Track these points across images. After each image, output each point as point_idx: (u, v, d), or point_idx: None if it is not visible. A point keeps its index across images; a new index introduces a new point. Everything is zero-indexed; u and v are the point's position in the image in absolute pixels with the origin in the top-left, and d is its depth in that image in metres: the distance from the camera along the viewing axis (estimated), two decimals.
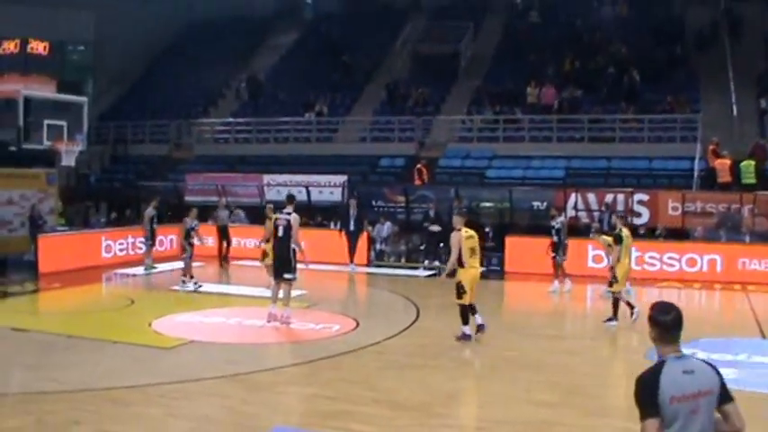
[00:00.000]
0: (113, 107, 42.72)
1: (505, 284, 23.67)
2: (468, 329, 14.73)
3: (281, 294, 16.10)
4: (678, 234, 25.45)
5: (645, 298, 21.25)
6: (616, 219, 18.39)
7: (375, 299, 19.11)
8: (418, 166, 29.72)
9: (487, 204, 28.02)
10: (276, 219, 16.25)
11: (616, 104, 32.15)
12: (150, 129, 38.74)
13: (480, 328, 14.93)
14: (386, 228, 26.84)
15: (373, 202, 28.28)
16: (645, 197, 25.98)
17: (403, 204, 28.16)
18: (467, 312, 14.76)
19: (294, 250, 15.94)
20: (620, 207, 25.71)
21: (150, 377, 11.76)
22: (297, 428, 9.00)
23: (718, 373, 5.25)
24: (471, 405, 10.68)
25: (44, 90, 28.00)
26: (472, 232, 14.86)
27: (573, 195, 26.44)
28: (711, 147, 27.61)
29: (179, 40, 46.63)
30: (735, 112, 30.17)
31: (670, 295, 21.39)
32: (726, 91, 31.32)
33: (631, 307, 16.74)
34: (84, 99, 29.45)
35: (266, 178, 31.31)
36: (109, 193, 35.52)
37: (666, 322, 5.33)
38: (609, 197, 26.24)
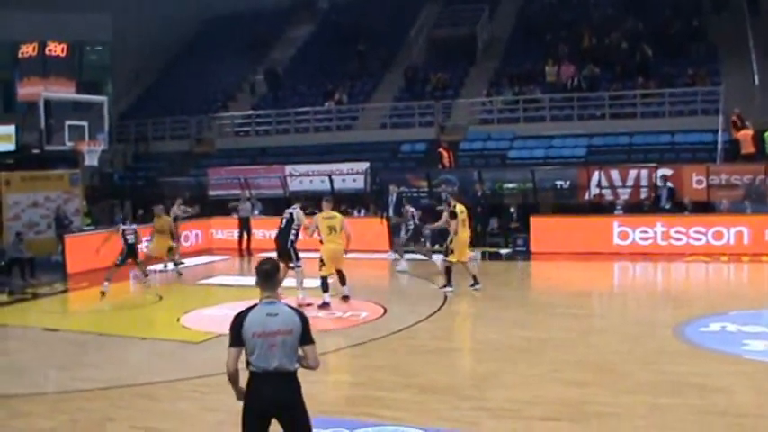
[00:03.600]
0: (133, 106, 42.92)
1: (531, 265, 23.62)
2: (327, 297, 16.52)
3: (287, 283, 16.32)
4: (704, 207, 25.31)
5: (673, 274, 21.23)
6: (450, 196, 19.04)
7: (402, 285, 19.15)
8: (440, 149, 29.65)
9: (511, 185, 27.93)
10: (284, 213, 17.33)
11: (634, 80, 31.93)
12: (171, 125, 38.85)
13: (345, 299, 16.95)
14: (412, 213, 26.76)
15: (399, 188, 28.19)
16: (669, 172, 25.83)
17: (426, 189, 28.11)
18: (326, 282, 16.64)
19: (292, 241, 16.93)
20: (643, 182, 25.70)
21: (181, 372, 11.84)
22: (326, 417, 9.01)
23: (303, 319, 6.53)
24: (501, 387, 10.64)
25: (64, 91, 28.19)
26: (334, 213, 17.06)
27: (596, 173, 26.33)
28: (733, 118, 27.43)
29: (195, 36, 46.80)
30: (756, 81, 29.86)
31: (698, 269, 21.38)
32: (746, 61, 30.99)
33: (475, 280, 18.09)
34: (103, 98, 29.53)
35: (288, 169, 31.34)
36: (133, 191, 35.67)
37: (261, 271, 6.62)
38: (632, 173, 26.15)
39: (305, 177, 29.98)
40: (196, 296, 19.46)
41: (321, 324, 15.21)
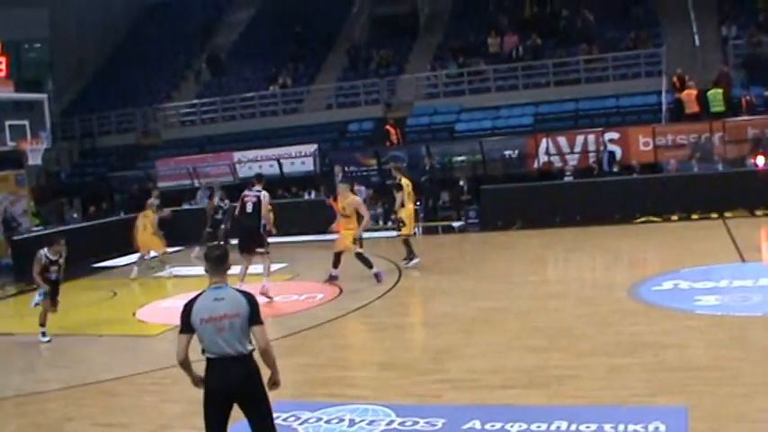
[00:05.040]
0: (76, 101, 42.19)
1: (485, 236, 23.71)
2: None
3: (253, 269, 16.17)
4: (652, 168, 25.59)
5: (625, 236, 21.41)
6: (395, 170, 19.49)
7: (357, 264, 19.07)
8: (387, 127, 29.70)
9: (460, 158, 28.03)
10: (245, 195, 16.30)
11: (577, 47, 32.12)
12: (116, 119, 38.32)
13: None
14: (362, 192, 26.79)
15: (346, 168, 28.20)
16: (615, 135, 26.09)
17: (375, 167, 28.14)
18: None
19: (264, 225, 16.09)
20: (591, 147, 25.97)
21: (140, 366, 11.76)
22: (288, 401, 9.00)
23: (250, 302, 6.51)
24: (462, 358, 10.71)
25: (3, 91, 27.68)
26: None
27: (544, 141, 26.54)
28: (675, 78, 27.74)
29: (136, 26, 46.08)
30: (697, 42, 30.19)
31: (649, 230, 21.60)
32: (686, 22, 31.34)
33: (411, 254, 18.56)
34: (43, 96, 29.06)
35: (237, 156, 31.28)
36: (81, 188, 35.23)
37: (211, 257, 6.68)
38: (580, 139, 26.40)
39: (254, 163, 29.80)
40: (151, 289, 19.31)
41: (279, 308, 15.23)
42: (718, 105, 26.39)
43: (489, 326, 12.54)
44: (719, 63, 28.91)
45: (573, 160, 26.44)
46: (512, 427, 8.02)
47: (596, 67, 31.17)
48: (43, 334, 14.22)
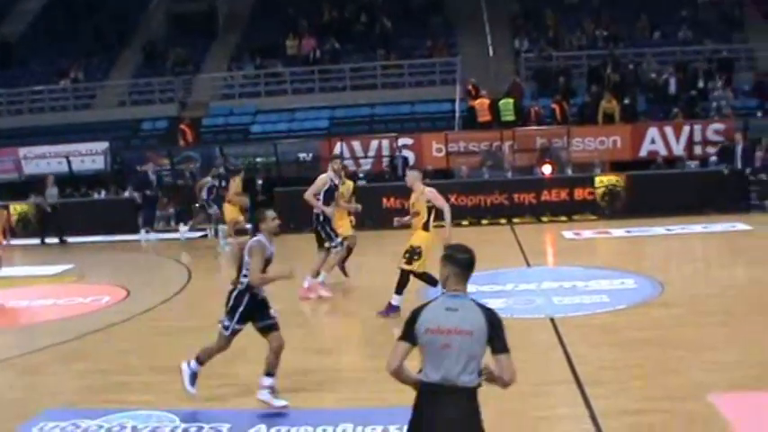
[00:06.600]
0: None
1: (278, 238, 23.45)
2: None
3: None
4: (444, 174, 26.19)
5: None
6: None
7: (145, 265, 18.70)
8: (181, 126, 29.26)
9: (258, 159, 27.88)
10: None
11: (375, 52, 32.56)
12: None
13: None
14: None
15: (138, 167, 27.54)
16: (409, 141, 26.57)
17: (168, 167, 27.58)
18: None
19: None
20: (385, 152, 26.37)
21: None
22: (66, 409, 8.61)
23: (490, 319, 5.28)
24: (249, 362, 10.50)
25: None
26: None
27: (338, 144, 26.74)
28: (468, 87, 28.56)
29: None
30: (491, 53, 31.23)
31: (441, 235, 21.97)
32: (481, 33, 32.42)
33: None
34: None
35: (23, 151, 29.95)
36: None
37: (459, 261, 5.49)
38: (374, 143, 26.75)
39: (41, 159, 28.72)
40: None
41: (62, 312, 14.61)
42: (508, 115, 27.36)
43: (281, 329, 12.40)
44: (512, 74, 30.00)
45: (367, 164, 26.77)
46: (297, 431, 7.97)
47: (392, 73, 31.77)
48: None
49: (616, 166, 25.79)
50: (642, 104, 29.00)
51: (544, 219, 23.18)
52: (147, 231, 24.50)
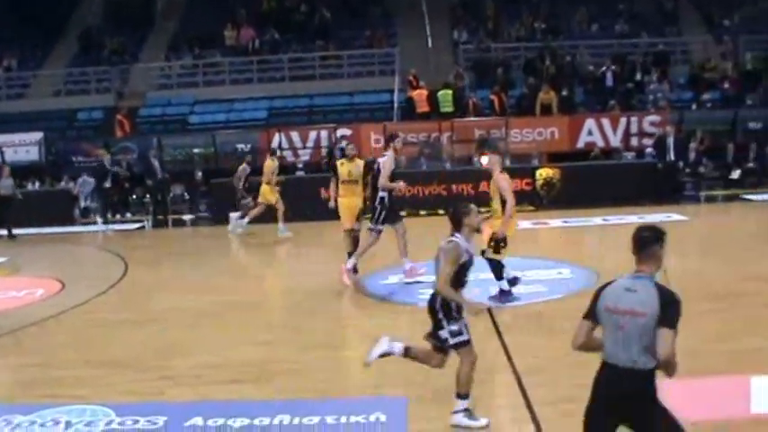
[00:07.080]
0: None
1: (216, 229, 23.37)
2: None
3: None
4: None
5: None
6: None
7: (81, 258, 18.41)
8: (118, 116, 28.92)
9: (196, 151, 27.67)
10: None
11: (314, 43, 32.48)
12: None
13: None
14: (90, 183, 25.85)
15: (73, 158, 27.16)
16: (347, 132, 26.52)
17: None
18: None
19: None
20: (324, 143, 26.32)
21: None
22: (2, 404, 8.46)
23: (663, 301, 5.26)
24: (186, 354, 10.45)
25: None
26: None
27: (277, 135, 26.64)
28: (412, 77, 28.64)
29: None
30: (430, 44, 31.34)
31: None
32: (421, 24, 32.50)
33: None
34: None
35: None
36: None
37: (635, 238, 5.50)
38: (312, 134, 26.70)
39: None
40: None
41: None
42: (447, 106, 27.47)
43: (218, 320, 12.34)
44: (450, 65, 30.11)
45: (305, 155, 26.70)
46: (234, 422, 7.88)
47: (331, 63, 31.72)
48: None
49: (554, 158, 25.98)
50: (580, 96, 29.33)
51: (483, 210, 23.18)
52: (104, 222, 24.43)
